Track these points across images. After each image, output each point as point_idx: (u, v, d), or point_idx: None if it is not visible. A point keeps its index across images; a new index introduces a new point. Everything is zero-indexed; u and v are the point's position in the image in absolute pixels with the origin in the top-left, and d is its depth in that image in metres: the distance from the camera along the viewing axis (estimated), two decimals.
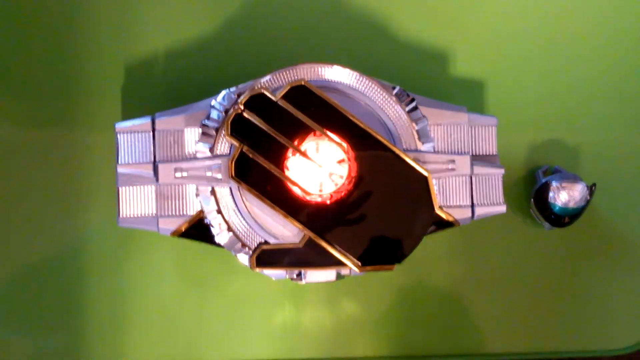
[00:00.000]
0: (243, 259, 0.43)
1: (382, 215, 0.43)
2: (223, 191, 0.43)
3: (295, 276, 0.44)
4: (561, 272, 0.52)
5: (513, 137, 0.51)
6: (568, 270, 0.52)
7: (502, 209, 0.46)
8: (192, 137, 0.44)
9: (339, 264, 0.43)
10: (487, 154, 0.46)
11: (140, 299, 0.50)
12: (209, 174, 0.43)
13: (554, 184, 0.49)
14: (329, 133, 0.42)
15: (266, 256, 0.43)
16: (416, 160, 0.43)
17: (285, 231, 0.43)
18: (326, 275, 0.44)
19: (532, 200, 0.51)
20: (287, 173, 0.42)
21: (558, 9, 0.53)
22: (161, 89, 0.51)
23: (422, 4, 0.53)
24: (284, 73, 0.44)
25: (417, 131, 0.45)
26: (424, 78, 0.52)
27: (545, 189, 0.49)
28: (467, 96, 0.50)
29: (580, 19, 0.53)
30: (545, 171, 0.51)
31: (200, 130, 0.44)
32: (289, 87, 0.42)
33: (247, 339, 0.50)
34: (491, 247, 0.51)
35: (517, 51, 0.53)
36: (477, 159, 0.46)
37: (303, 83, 0.42)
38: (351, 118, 0.42)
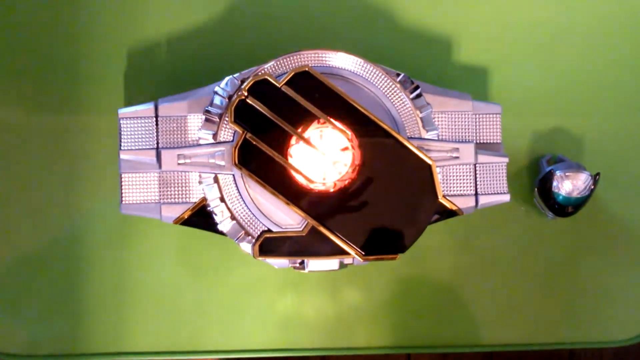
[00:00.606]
0: (246, 247, 0.43)
1: (386, 204, 0.43)
2: (226, 178, 0.43)
3: (298, 265, 0.44)
4: (564, 262, 0.52)
5: (517, 126, 0.51)
6: (571, 260, 0.52)
7: (506, 197, 0.46)
8: (195, 123, 0.44)
9: (342, 253, 0.42)
10: (491, 142, 0.46)
11: (142, 287, 0.50)
12: (212, 160, 0.43)
13: (558, 173, 0.49)
14: (332, 120, 0.42)
15: (269, 244, 0.43)
16: (420, 148, 0.43)
17: (289, 219, 0.43)
18: (329, 264, 0.44)
19: (535, 189, 0.50)
20: (290, 160, 0.42)
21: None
22: (164, 75, 0.50)
23: None
24: (288, 59, 0.44)
25: (422, 119, 0.44)
26: (428, 65, 0.51)
27: (549, 178, 0.49)
28: (472, 84, 0.50)
29: (586, 7, 0.53)
30: (549, 160, 0.51)
31: (203, 116, 0.43)
32: (292, 74, 0.42)
33: (249, 328, 0.50)
34: (494, 237, 0.51)
35: (522, 39, 0.52)
36: (481, 147, 0.46)
37: (307, 69, 0.42)
38: (355, 105, 0.42)
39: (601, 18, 0.53)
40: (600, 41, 0.52)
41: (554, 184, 0.49)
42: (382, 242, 0.43)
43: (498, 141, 0.46)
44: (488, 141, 0.46)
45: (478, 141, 0.46)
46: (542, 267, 0.52)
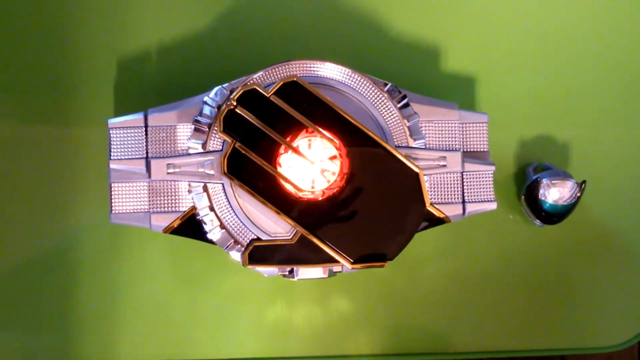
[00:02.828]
0: (235, 255, 0.43)
1: (374, 212, 0.43)
2: (216, 188, 0.43)
3: (287, 273, 0.44)
4: (552, 269, 0.52)
5: (504, 134, 0.51)
6: (559, 267, 0.52)
7: (493, 205, 0.46)
8: (184, 133, 0.44)
9: (331, 261, 0.43)
10: (478, 150, 0.47)
11: (132, 296, 0.50)
12: (201, 170, 0.43)
13: (545, 181, 0.49)
14: (321, 130, 0.42)
15: (259, 253, 0.43)
16: (408, 157, 0.43)
17: (278, 228, 0.43)
18: (318, 272, 0.44)
19: (522, 197, 0.51)
20: (279, 169, 0.42)
21: (549, 6, 0.53)
22: (154, 85, 0.51)
23: (413, 2, 0.53)
24: (276, 69, 0.44)
25: (409, 128, 0.45)
26: (415, 75, 0.52)
27: (535, 186, 0.49)
28: (459, 93, 0.51)
29: (571, 16, 0.53)
30: (536, 168, 0.51)
31: (192, 126, 0.44)
32: (281, 83, 0.42)
33: (238, 336, 0.50)
34: (482, 244, 0.51)
35: (508, 49, 0.53)
36: (468, 155, 0.46)
37: (295, 79, 0.42)
38: (343, 114, 0.42)
39: (588, 28, 0.53)
40: (586, 50, 0.53)
41: (541, 191, 0.49)
42: (370, 250, 0.43)
43: (485, 149, 0.47)
44: (475, 149, 0.47)
45: (465, 150, 0.46)
46: (529, 274, 0.52)
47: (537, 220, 0.50)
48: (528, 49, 0.53)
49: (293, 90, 0.42)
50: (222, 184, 0.43)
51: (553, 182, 0.49)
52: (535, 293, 0.52)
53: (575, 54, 0.53)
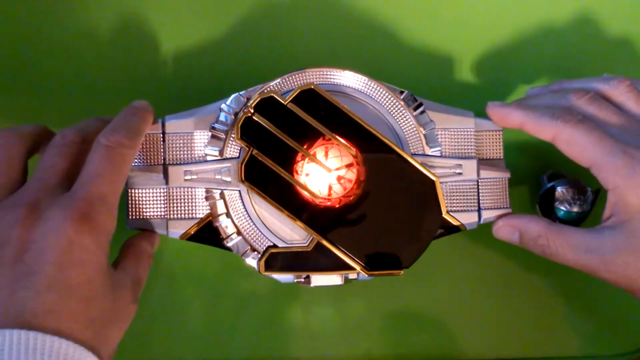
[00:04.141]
0: (252, 262, 0.44)
1: (390, 220, 0.43)
2: (232, 194, 0.43)
3: (303, 280, 0.44)
4: (565, 276, 0.52)
5: (518, 142, 0.51)
6: (572, 275, 0.52)
7: (509, 212, 0.46)
8: (201, 140, 0.44)
9: (347, 268, 0.43)
10: (493, 158, 0.47)
11: (147, 300, 0.50)
12: (218, 176, 0.43)
13: (559, 189, 0.49)
14: (338, 137, 0.42)
15: (275, 260, 0.43)
16: (424, 164, 0.43)
17: (295, 235, 0.43)
18: (334, 279, 0.44)
19: (537, 205, 0.51)
20: (296, 177, 0.43)
21: (566, 15, 0.53)
22: (171, 92, 0.51)
23: (430, 10, 0.53)
24: (293, 77, 0.44)
25: (425, 135, 0.45)
26: (431, 82, 0.52)
27: (549, 193, 0.49)
28: (474, 101, 0.50)
29: (591, 30, 0.53)
30: (550, 176, 0.51)
31: (209, 133, 0.44)
32: (298, 91, 0.42)
33: (254, 340, 0.50)
34: (496, 251, 0.51)
35: (524, 56, 0.53)
36: (483, 163, 0.46)
37: (312, 87, 0.43)
38: (360, 122, 0.43)
39: (603, 37, 0.53)
40: (602, 59, 0.53)
41: (555, 199, 0.49)
42: (386, 258, 0.43)
43: (500, 157, 0.47)
44: (490, 157, 0.47)
45: (480, 157, 0.46)
46: (542, 281, 0.52)
47: None
48: (543, 57, 0.53)
49: (310, 97, 0.43)
50: (239, 190, 0.43)
51: (567, 190, 0.49)
52: (548, 300, 0.52)
53: (592, 64, 0.53)
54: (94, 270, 0.37)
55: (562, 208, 0.49)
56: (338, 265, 0.43)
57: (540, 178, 0.51)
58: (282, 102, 0.42)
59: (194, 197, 0.44)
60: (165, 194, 0.44)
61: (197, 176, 0.43)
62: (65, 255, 0.36)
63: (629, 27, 0.54)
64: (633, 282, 0.41)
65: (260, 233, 0.43)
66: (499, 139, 0.47)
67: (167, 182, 0.44)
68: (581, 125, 0.42)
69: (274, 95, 0.42)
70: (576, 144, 0.42)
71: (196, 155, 0.44)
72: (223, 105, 0.44)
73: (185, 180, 0.43)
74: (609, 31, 0.54)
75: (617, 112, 0.43)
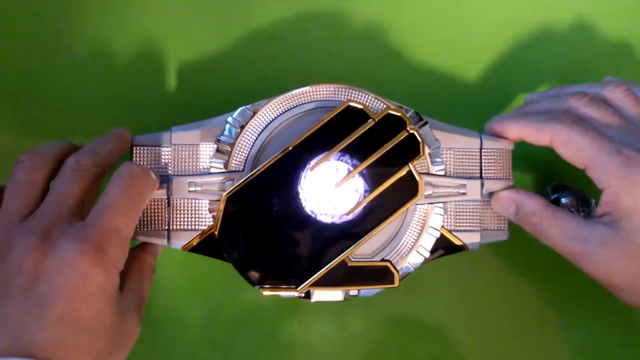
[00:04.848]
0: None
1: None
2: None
3: (303, 295, 0.44)
4: (568, 290, 0.52)
5: (522, 154, 0.51)
6: (574, 287, 0.52)
7: (504, 236, 0.47)
8: (207, 152, 0.44)
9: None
10: (501, 178, 0.46)
11: (147, 312, 0.50)
12: (222, 189, 0.43)
13: (563, 200, 0.49)
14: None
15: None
16: (427, 183, 0.44)
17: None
18: (334, 295, 0.44)
19: None
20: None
21: (571, 32, 0.54)
22: (178, 104, 0.51)
23: (436, 28, 0.53)
24: (298, 95, 0.44)
25: (429, 154, 0.45)
26: (436, 100, 0.52)
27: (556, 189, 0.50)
28: (480, 118, 0.50)
29: (598, 46, 0.54)
30: (554, 187, 0.51)
31: (215, 145, 0.44)
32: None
33: (253, 353, 0.50)
34: (497, 265, 0.51)
35: (530, 72, 0.53)
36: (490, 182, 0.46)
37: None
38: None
39: (608, 52, 0.54)
40: (605, 72, 0.53)
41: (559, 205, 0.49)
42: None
43: (509, 177, 0.46)
44: (498, 177, 0.46)
45: (488, 177, 0.46)
46: (544, 294, 0.52)
47: None
48: (550, 72, 0.53)
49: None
50: None
51: (571, 201, 0.49)
52: (549, 312, 0.52)
53: (597, 78, 0.53)
54: (104, 303, 0.37)
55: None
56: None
57: (544, 189, 0.51)
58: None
59: (197, 208, 0.44)
60: (168, 204, 0.44)
61: (201, 188, 0.44)
62: (77, 289, 0.36)
63: (630, 32, 0.54)
64: (612, 279, 0.41)
65: None
66: (508, 158, 0.46)
67: (171, 193, 0.44)
68: (577, 126, 0.42)
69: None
70: (572, 145, 0.42)
71: (201, 167, 0.44)
72: (229, 118, 0.44)
73: (189, 191, 0.44)
74: (611, 37, 0.54)
75: (615, 113, 0.43)
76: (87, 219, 0.39)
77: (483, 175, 0.46)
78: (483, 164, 0.46)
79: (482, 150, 0.46)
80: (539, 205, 0.43)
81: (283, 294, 0.43)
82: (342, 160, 0.43)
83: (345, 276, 0.43)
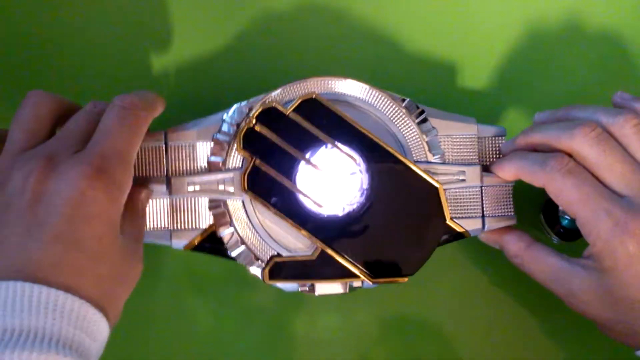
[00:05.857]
0: (256, 271, 0.44)
1: (394, 227, 0.43)
2: (236, 204, 0.43)
3: (307, 288, 0.44)
4: None
5: None
6: None
7: (513, 221, 0.46)
8: (204, 150, 0.44)
9: (352, 276, 0.43)
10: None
11: (152, 311, 0.50)
12: (221, 187, 0.43)
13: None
14: (340, 145, 0.43)
15: (279, 269, 0.43)
16: (427, 171, 0.44)
17: (298, 243, 0.43)
18: (338, 287, 0.44)
19: (541, 213, 0.51)
20: (299, 185, 0.43)
21: (566, 19, 0.54)
22: (173, 103, 0.50)
23: (430, 18, 0.53)
24: (295, 87, 0.44)
25: (427, 143, 0.45)
26: (433, 90, 0.52)
27: (554, 203, 0.49)
28: (476, 107, 0.51)
29: (597, 35, 0.54)
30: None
31: (212, 144, 0.44)
32: (299, 101, 0.43)
33: (258, 349, 0.50)
34: (500, 259, 0.51)
35: (526, 62, 0.53)
36: (487, 169, 0.46)
37: (314, 96, 0.43)
38: (362, 130, 0.43)
39: (605, 39, 0.54)
40: (605, 66, 0.53)
41: (559, 208, 0.49)
42: (391, 265, 0.43)
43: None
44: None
45: (484, 164, 0.46)
46: (549, 294, 0.52)
47: (556, 237, 0.50)
48: (545, 63, 0.53)
49: (312, 107, 0.43)
50: (242, 200, 0.43)
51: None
52: (553, 308, 0.51)
53: (594, 67, 0.53)
54: (105, 225, 0.37)
55: (567, 217, 0.49)
56: (342, 274, 0.43)
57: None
58: (284, 112, 0.43)
59: (197, 207, 0.44)
60: (168, 205, 0.44)
61: (200, 187, 0.44)
62: (76, 209, 0.36)
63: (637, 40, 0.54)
64: (594, 319, 0.42)
65: (264, 242, 0.43)
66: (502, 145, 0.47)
67: (170, 193, 0.44)
68: (570, 177, 0.41)
69: (276, 105, 0.42)
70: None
71: (199, 166, 0.44)
72: (225, 116, 0.44)
73: (189, 191, 0.44)
74: (609, 37, 0.54)
75: (621, 157, 0.41)
76: (87, 146, 0.38)
77: (481, 161, 0.46)
78: (481, 151, 0.46)
79: (479, 137, 0.46)
80: (521, 248, 0.45)
81: (286, 286, 0.43)
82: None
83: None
